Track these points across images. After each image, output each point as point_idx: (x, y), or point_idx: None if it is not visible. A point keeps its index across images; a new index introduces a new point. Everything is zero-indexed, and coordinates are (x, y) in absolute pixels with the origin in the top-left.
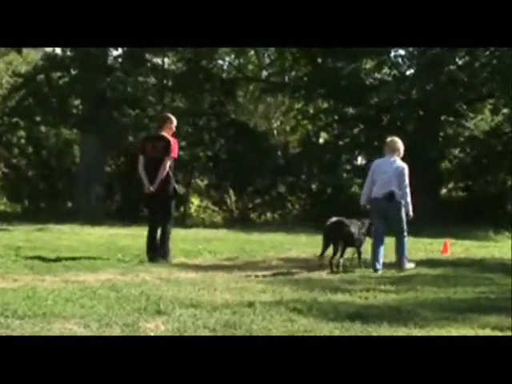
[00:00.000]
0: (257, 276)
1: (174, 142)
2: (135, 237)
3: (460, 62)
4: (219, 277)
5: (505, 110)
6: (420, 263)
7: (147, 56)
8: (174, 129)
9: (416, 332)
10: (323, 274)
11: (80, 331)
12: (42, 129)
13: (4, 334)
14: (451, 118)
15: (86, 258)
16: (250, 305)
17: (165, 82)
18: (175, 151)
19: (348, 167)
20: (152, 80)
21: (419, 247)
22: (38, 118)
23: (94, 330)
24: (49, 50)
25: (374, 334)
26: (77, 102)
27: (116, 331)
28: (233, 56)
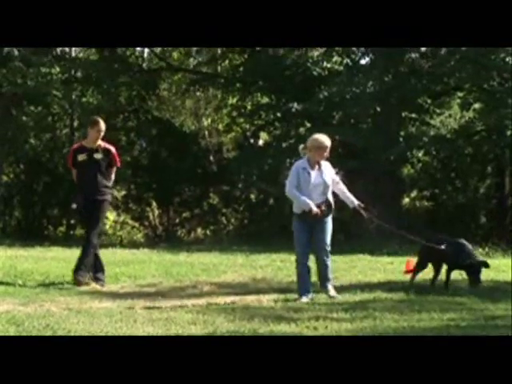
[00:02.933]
0: (185, 305)
1: (114, 150)
2: (39, 259)
3: (423, 49)
4: (140, 306)
5: (476, 105)
6: (378, 286)
7: None
8: (102, 133)
9: None
10: (264, 301)
11: None
12: None
13: None
14: (414, 115)
15: None
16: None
17: (73, 72)
18: (118, 160)
19: None
20: (57, 71)
21: (377, 267)
22: None
23: None
24: None
25: None
26: None
27: None
28: None
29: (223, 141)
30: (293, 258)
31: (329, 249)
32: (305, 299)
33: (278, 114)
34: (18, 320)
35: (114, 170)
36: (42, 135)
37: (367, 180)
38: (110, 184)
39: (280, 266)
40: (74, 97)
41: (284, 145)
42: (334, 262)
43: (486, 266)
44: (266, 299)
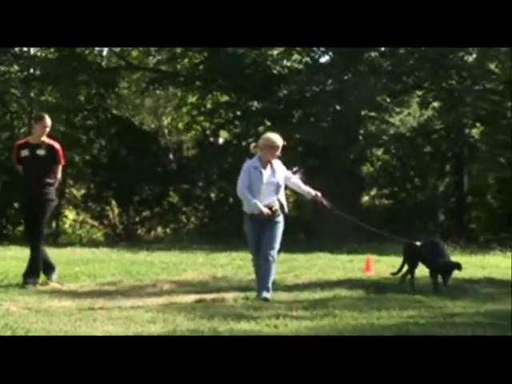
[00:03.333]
0: (145, 303)
1: (58, 147)
2: None
3: (382, 48)
4: (99, 305)
5: (435, 104)
6: (338, 284)
7: None
8: (48, 129)
9: None
10: (224, 299)
11: None
12: None
13: None
14: (373, 114)
15: None
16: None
17: (31, 71)
18: (62, 157)
19: None
20: (16, 69)
21: (337, 265)
22: None
23: None
24: None
25: None
26: None
27: None
28: None
29: (183, 139)
30: None
31: (275, 252)
32: (266, 295)
33: (238, 113)
34: None
35: (60, 167)
36: (0, 134)
37: (327, 178)
38: (55, 182)
39: (240, 264)
40: (32, 95)
41: (244, 143)
42: (295, 261)
43: (459, 268)
44: (227, 298)
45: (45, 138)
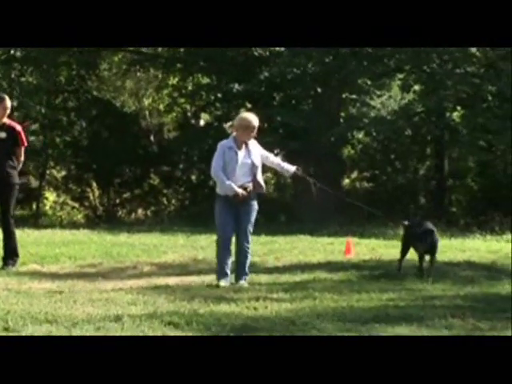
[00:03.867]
0: (125, 285)
1: (20, 128)
2: None
3: None
4: (80, 287)
5: (416, 87)
6: (318, 266)
7: None
8: (8, 111)
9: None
10: (205, 281)
11: None
12: None
13: None
14: (354, 96)
15: None
16: (117, 319)
17: (11, 52)
18: (24, 139)
19: None
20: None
21: (317, 248)
22: None
23: None
24: None
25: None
26: None
27: None
28: None
29: (164, 121)
30: (234, 239)
31: (250, 235)
32: (223, 283)
33: (219, 95)
34: None
35: (22, 149)
36: None
37: (308, 161)
38: (18, 165)
39: None
40: (13, 76)
41: (225, 125)
42: (276, 243)
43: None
44: (207, 280)
45: (6, 120)
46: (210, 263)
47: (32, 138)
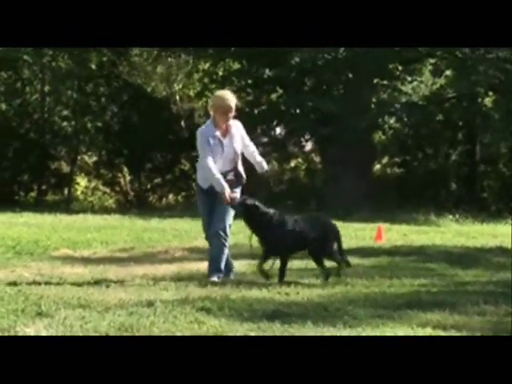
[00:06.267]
0: (157, 270)
1: None
2: (10, 224)
3: None
4: (112, 272)
5: (448, 72)
6: (349, 252)
7: None
8: None
9: (346, 333)
10: (235, 266)
11: None
12: None
13: None
14: (385, 82)
15: None
16: (150, 304)
17: None
18: None
19: (265, 140)
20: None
21: (349, 233)
22: None
23: None
24: None
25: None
26: None
27: None
28: None
29: (195, 107)
30: None
31: (228, 228)
32: (215, 278)
33: (250, 80)
34: None
35: None
36: (12, 100)
37: (339, 146)
38: None
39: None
40: (44, 62)
41: (255, 111)
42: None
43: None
44: (238, 265)
45: None
46: (241, 248)
47: (64, 124)
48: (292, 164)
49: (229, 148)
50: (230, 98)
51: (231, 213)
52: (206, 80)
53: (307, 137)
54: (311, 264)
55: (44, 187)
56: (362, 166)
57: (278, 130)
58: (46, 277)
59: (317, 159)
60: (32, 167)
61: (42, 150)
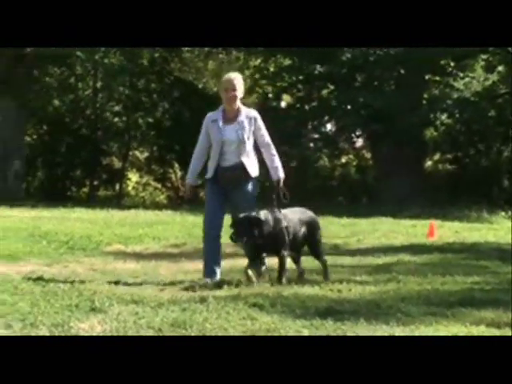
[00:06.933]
0: None
1: None
2: (62, 220)
3: None
4: (164, 267)
5: (500, 68)
6: (401, 249)
7: None
8: None
9: (399, 331)
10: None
11: (0, 332)
12: None
13: None
14: (437, 77)
15: (3, 245)
16: (203, 300)
17: None
18: None
19: (315, 136)
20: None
21: (400, 230)
22: None
23: (16, 331)
24: None
25: (350, 333)
26: None
27: (43, 332)
28: None
29: (245, 102)
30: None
31: None
32: (209, 281)
33: (301, 77)
34: (43, 280)
35: None
36: (64, 96)
37: (390, 143)
38: None
39: None
40: (97, 58)
41: (306, 107)
42: (357, 225)
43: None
44: (289, 261)
45: None
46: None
47: (115, 119)
48: (343, 160)
49: (231, 136)
50: (230, 74)
51: (250, 201)
52: (256, 76)
53: (358, 133)
54: (364, 261)
55: (96, 183)
56: (413, 162)
57: (329, 126)
58: (98, 272)
59: (368, 155)
60: (84, 163)
61: (94, 145)
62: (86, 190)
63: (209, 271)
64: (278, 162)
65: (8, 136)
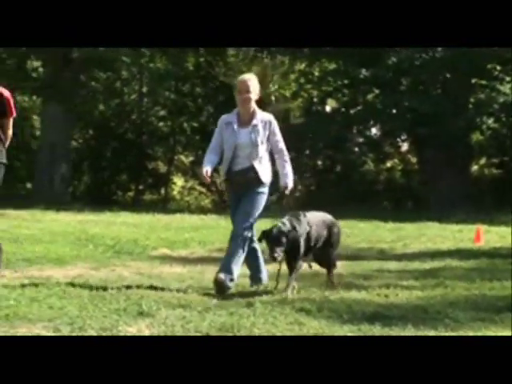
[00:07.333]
0: None
1: (8, 94)
2: (108, 224)
3: None
4: (210, 272)
5: None
6: (448, 254)
7: None
8: None
9: (446, 335)
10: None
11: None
12: None
13: None
14: (483, 82)
15: (50, 249)
16: (250, 305)
17: None
18: (13, 107)
19: (360, 140)
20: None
21: (447, 235)
22: None
23: (65, 334)
24: None
25: None
26: (37, 64)
27: None
28: None
29: (290, 107)
30: (361, 224)
31: (249, 228)
32: (221, 276)
33: (346, 81)
34: (91, 284)
35: (10, 122)
36: (110, 100)
37: (436, 147)
38: (5, 140)
39: (348, 232)
40: (142, 62)
41: (351, 111)
42: (403, 230)
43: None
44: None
45: None
46: (337, 249)
47: (160, 124)
48: (388, 164)
49: (245, 140)
50: (244, 76)
51: (256, 211)
52: (301, 80)
53: (403, 137)
54: (410, 266)
55: (141, 187)
56: (459, 166)
57: (374, 131)
58: (145, 276)
59: (413, 160)
60: (130, 167)
61: (140, 150)
62: (131, 194)
63: (224, 269)
64: (288, 170)
65: (55, 140)
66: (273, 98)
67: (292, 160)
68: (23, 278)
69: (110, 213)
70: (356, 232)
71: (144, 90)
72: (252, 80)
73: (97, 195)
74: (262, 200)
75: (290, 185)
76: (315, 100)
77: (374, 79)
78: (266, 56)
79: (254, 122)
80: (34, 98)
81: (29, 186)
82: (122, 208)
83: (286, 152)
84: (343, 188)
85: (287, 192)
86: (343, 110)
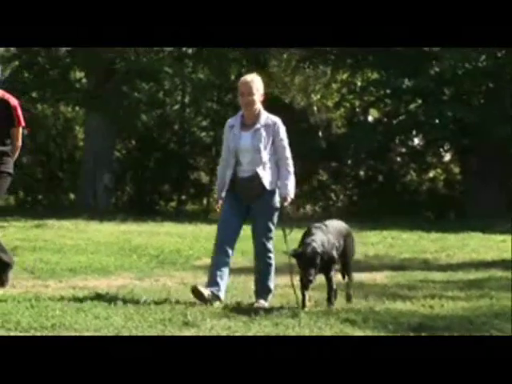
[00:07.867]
0: (297, 281)
1: (16, 103)
2: (152, 234)
3: None
4: (253, 282)
5: None
6: (492, 265)
7: None
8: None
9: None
10: (377, 278)
11: None
12: (39, 107)
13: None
14: None
15: (94, 259)
16: (294, 315)
17: (184, 49)
18: (20, 116)
19: (403, 150)
20: (169, 47)
21: (491, 245)
22: (33, 94)
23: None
24: None
25: None
26: (80, 75)
27: None
28: None
29: (332, 117)
30: (404, 235)
31: (270, 240)
32: (207, 292)
33: (388, 91)
34: (135, 294)
35: (19, 131)
36: (153, 111)
37: (479, 157)
38: (14, 150)
39: (392, 243)
40: (185, 73)
41: (394, 121)
42: (447, 240)
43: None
44: (378, 277)
45: None
46: (381, 260)
47: (202, 134)
48: (430, 175)
49: (245, 144)
50: (246, 77)
51: (270, 224)
52: (343, 90)
53: (446, 147)
54: (455, 276)
55: (184, 197)
56: (502, 176)
57: (417, 141)
58: (189, 286)
59: (456, 170)
60: (172, 177)
61: (182, 160)
62: (173, 204)
63: (212, 283)
64: (290, 180)
65: (98, 151)
66: (315, 108)
67: (334, 170)
68: (68, 287)
69: (152, 223)
70: (399, 242)
71: (186, 100)
72: (255, 81)
73: (139, 205)
74: (275, 211)
75: (290, 196)
76: (357, 110)
77: (416, 89)
78: (308, 66)
79: (257, 125)
80: (77, 108)
81: (72, 196)
82: (165, 218)
83: (289, 160)
84: (385, 198)
85: (286, 204)
86: (385, 120)
